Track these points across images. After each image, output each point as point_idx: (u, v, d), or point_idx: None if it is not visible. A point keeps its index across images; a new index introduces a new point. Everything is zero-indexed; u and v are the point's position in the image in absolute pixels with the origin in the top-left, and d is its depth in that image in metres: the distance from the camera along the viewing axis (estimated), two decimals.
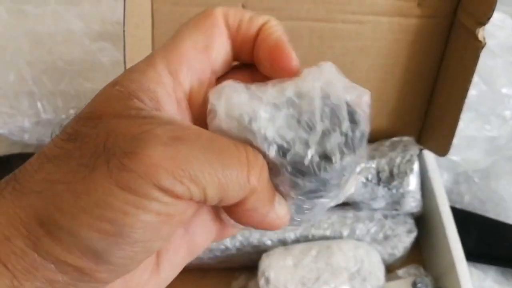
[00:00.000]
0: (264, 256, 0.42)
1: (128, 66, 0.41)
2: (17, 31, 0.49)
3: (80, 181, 0.18)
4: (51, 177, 0.18)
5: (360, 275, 0.42)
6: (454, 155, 0.59)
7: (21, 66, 0.49)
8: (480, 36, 0.39)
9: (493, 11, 0.38)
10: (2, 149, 0.52)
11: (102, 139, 0.18)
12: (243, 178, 0.19)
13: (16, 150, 0.52)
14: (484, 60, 0.60)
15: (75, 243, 0.18)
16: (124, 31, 0.36)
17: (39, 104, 0.50)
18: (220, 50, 0.23)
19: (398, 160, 0.46)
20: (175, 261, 0.23)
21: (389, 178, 0.46)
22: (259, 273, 0.42)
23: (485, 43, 0.39)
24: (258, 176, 0.20)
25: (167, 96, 0.21)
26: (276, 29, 0.23)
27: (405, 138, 0.48)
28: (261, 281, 0.41)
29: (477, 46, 0.39)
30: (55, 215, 0.18)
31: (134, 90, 0.20)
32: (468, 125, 0.59)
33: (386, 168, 0.46)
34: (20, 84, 0.50)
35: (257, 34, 0.23)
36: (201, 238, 0.24)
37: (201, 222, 0.23)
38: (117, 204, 0.17)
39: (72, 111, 0.51)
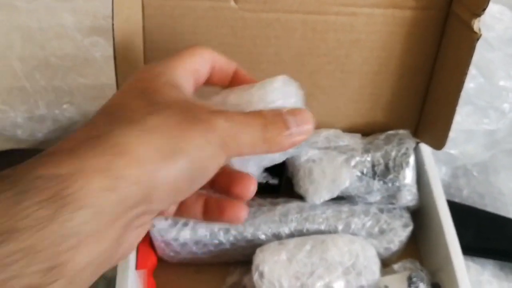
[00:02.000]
0: (258, 250, 0.42)
1: (118, 61, 0.41)
2: (9, 26, 0.49)
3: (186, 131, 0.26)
4: (160, 127, 0.25)
5: (355, 269, 0.42)
6: (452, 148, 0.59)
7: (13, 61, 0.50)
8: (475, 28, 0.39)
9: (488, 2, 0.38)
10: None
11: (186, 109, 0.27)
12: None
13: (9, 146, 0.52)
14: (482, 53, 0.60)
15: (185, 170, 0.25)
16: (113, 24, 0.36)
17: (31, 100, 0.51)
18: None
19: (393, 153, 0.46)
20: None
21: (384, 172, 0.46)
22: (253, 267, 0.42)
23: (480, 35, 0.39)
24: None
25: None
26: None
27: (401, 132, 0.48)
28: (255, 276, 0.41)
29: (473, 38, 0.39)
30: (174, 152, 0.25)
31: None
32: (466, 119, 0.59)
33: (382, 161, 0.46)
34: (12, 80, 0.50)
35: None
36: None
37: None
38: (206, 148, 0.26)
39: (65, 106, 0.51)
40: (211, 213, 0.34)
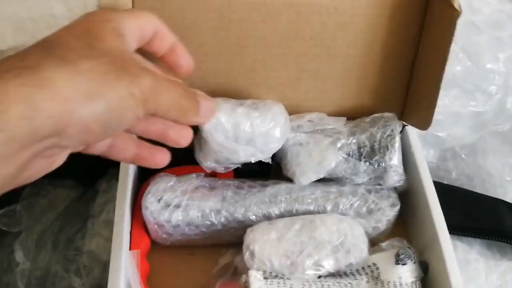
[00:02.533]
0: (248, 230, 0.43)
1: None
2: (0, 16, 0.50)
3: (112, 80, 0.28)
4: (90, 71, 0.27)
5: (344, 248, 0.43)
6: (439, 131, 0.60)
7: (5, 51, 0.50)
8: (456, 5, 0.40)
9: None
10: None
11: (120, 60, 0.29)
12: None
13: None
14: (470, 36, 0.61)
15: (100, 115, 0.28)
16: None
17: None
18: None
19: (379, 135, 0.47)
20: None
21: (370, 153, 0.47)
22: (244, 247, 0.43)
23: (461, 11, 0.39)
24: None
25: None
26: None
27: (386, 114, 0.49)
28: (246, 255, 0.42)
29: (454, 15, 0.40)
30: (94, 96, 0.27)
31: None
32: (453, 101, 0.60)
33: (367, 143, 0.47)
34: None
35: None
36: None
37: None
38: (127, 99, 0.28)
39: None
40: (141, 158, 0.37)
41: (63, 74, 0.26)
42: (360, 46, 0.46)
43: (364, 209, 0.47)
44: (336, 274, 0.42)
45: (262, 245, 0.42)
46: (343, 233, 0.43)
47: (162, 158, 0.37)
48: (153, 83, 0.29)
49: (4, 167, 0.25)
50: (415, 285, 0.42)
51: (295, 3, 0.43)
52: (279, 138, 0.45)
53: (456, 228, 0.51)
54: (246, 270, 0.41)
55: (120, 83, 0.27)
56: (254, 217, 0.45)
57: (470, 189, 0.59)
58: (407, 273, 0.42)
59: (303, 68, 0.47)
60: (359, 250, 0.43)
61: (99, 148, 0.35)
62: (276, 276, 0.41)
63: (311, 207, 0.46)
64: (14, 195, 0.53)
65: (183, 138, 0.36)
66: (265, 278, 0.41)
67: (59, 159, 0.31)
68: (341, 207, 0.46)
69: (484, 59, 0.60)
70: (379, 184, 0.48)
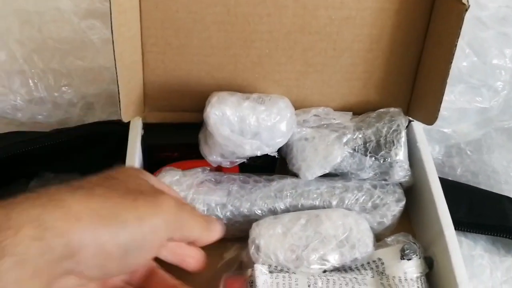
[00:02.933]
0: (254, 225, 0.43)
1: (116, 43, 0.41)
2: (6, 10, 0.50)
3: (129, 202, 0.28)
4: (104, 194, 0.27)
5: (349, 242, 0.43)
6: (445, 127, 0.60)
7: (12, 45, 0.50)
8: None
9: None
10: None
11: (136, 184, 0.29)
12: None
13: (10, 129, 0.53)
14: (476, 32, 0.61)
15: (117, 236, 0.27)
16: (110, 7, 0.37)
17: (30, 82, 0.51)
18: None
19: (384, 130, 0.47)
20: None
21: (376, 149, 0.47)
22: (250, 241, 0.43)
23: (469, 5, 0.39)
24: None
25: None
26: None
27: (392, 109, 0.49)
28: (252, 249, 0.42)
29: (461, 9, 0.40)
30: (109, 216, 0.26)
31: None
32: (459, 97, 0.60)
33: (373, 138, 0.47)
34: (11, 63, 0.51)
35: None
36: None
37: None
38: (149, 220, 0.28)
39: (64, 89, 0.52)
40: None
41: (77, 196, 0.25)
42: (366, 41, 0.46)
43: (370, 204, 0.47)
44: (341, 269, 0.42)
45: (268, 240, 0.42)
46: (348, 228, 0.43)
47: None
48: (176, 204, 0.28)
49: None
50: (420, 280, 0.42)
51: None
52: (285, 132, 0.45)
53: (461, 224, 0.51)
54: (251, 264, 0.41)
55: (139, 205, 0.26)
56: (259, 211, 0.45)
57: (475, 185, 0.59)
58: (412, 268, 0.42)
59: (309, 62, 0.47)
60: (364, 245, 0.43)
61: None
62: (281, 270, 0.41)
63: (317, 202, 0.46)
64: (20, 189, 0.53)
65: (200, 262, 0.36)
66: (271, 272, 0.41)
67: None
68: (346, 202, 0.46)
69: (491, 55, 0.59)
70: (385, 180, 0.48)
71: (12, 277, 0.22)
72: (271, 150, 0.45)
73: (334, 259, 0.42)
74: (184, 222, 0.29)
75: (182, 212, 0.29)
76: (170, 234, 0.28)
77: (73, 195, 0.25)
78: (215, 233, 0.34)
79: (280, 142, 0.45)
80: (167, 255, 0.33)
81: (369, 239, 0.44)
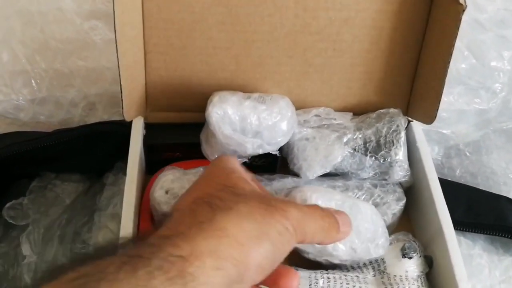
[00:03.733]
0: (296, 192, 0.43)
1: (119, 43, 0.42)
2: (9, 10, 0.50)
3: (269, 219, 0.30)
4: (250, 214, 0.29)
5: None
6: (444, 128, 0.61)
7: (14, 45, 0.51)
8: (461, 0, 0.40)
9: None
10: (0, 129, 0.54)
11: (265, 199, 0.31)
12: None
13: (12, 129, 0.54)
14: (474, 34, 0.62)
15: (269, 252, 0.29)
16: (114, 8, 0.37)
17: (33, 82, 0.52)
18: None
19: (384, 130, 0.48)
20: None
21: (376, 148, 0.47)
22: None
23: (466, 6, 0.40)
24: None
25: None
26: None
27: (391, 110, 0.49)
28: None
29: (459, 9, 0.40)
30: (260, 236, 0.29)
31: None
32: (457, 99, 0.60)
33: (373, 138, 0.48)
34: (14, 63, 0.51)
35: None
36: None
37: None
38: (284, 233, 0.30)
39: (65, 89, 0.53)
40: None
41: (232, 222, 0.28)
42: (366, 41, 0.47)
43: (370, 202, 0.47)
44: (343, 267, 0.43)
45: None
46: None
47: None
48: (299, 213, 0.31)
49: None
50: (421, 279, 0.42)
51: None
52: (285, 131, 0.45)
53: (460, 224, 0.51)
54: None
55: (274, 219, 0.29)
56: None
57: (474, 186, 0.59)
58: (413, 267, 0.42)
59: (309, 62, 0.48)
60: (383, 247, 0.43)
61: None
62: None
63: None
64: (22, 189, 0.54)
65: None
66: None
67: None
68: None
69: (489, 57, 0.60)
70: (385, 179, 0.49)
71: None
72: (272, 149, 0.46)
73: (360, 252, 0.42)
74: (306, 229, 0.31)
75: (304, 220, 0.31)
76: (297, 240, 0.31)
77: (229, 220, 0.28)
78: (339, 235, 0.34)
79: (281, 141, 0.46)
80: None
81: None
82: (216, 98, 0.44)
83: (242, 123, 0.44)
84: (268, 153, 0.46)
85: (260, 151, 0.45)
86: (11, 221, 0.52)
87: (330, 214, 0.34)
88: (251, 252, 0.28)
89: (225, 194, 0.31)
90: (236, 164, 0.35)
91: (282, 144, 0.46)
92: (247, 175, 0.34)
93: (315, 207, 0.33)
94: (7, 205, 0.52)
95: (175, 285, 0.24)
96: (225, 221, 0.28)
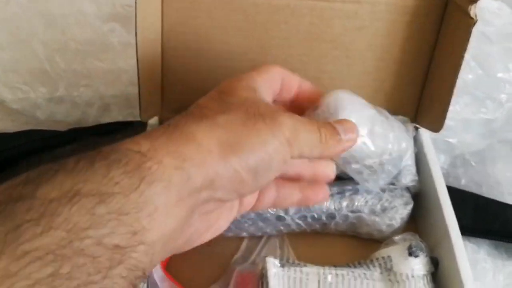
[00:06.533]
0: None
1: (139, 48, 0.45)
2: (32, 12, 0.54)
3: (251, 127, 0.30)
4: (227, 123, 0.30)
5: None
6: (450, 137, 0.64)
7: (35, 45, 0.54)
8: (472, 14, 0.44)
9: None
10: (16, 127, 0.56)
11: (254, 108, 0.31)
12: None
13: (29, 127, 0.57)
14: (481, 46, 0.65)
15: (247, 162, 0.29)
16: (136, 11, 0.40)
17: (51, 82, 0.55)
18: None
19: None
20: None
21: None
22: None
23: (476, 20, 0.43)
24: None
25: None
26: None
27: (400, 117, 0.52)
28: None
29: (469, 23, 0.44)
30: (236, 144, 0.29)
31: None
32: (464, 108, 0.64)
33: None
34: (34, 62, 0.54)
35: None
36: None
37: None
38: (271, 142, 0.30)
39: (83, 89, 0.56)
40: (307, 199, 0.39)
41: (202, 129, 0.29)
42: (378, 50, 0.50)
43: (379, 206, 0.50)
44: (351, 265, 0.46)
45: None
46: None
47: (324, 194, 0.39)
48: (293, 123, 0.31)
49: (166, 217, 0.26)
50: (426, 278, 0.45)
51: (318, 6, 0.47)
52: None
53: (465, 229, 0.54)
54: (263, 257, 0.45)
55: (259, 128, 0.30)
56: (269, 215, 0.48)
57: None
58: (419, 265, 0.45)
59: (323, 69, 0.51)
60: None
61: (266, 202, 0.38)
62: (293, 264, 0.44)
63: (327, 203, 0.50)
64: None
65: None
66: (282, 265, 0.44)
67: (218, 223, 0.33)
68: (356, 203, 0.50)
69: (495, 68, 0.64)
70: (393, 184, 0.52)
71: (162, 200, 0.26)
72: None
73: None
74: (301, 141, 0.31)
75: (299, 131, 0.31)
76: (291, 152, 0.31)
77: (200, 127, 0.28)
78: (342, 144, 0.34)
79: None
80: (299, 170, 0.38)
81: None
82: None
83: None
84: None
85: None
86: None
87: (327, 124, 0.34)
88: (221, 159, 0.28)
89: (214, 103, 0.31)
90: (247, 75, 0.34)
91: None
92: (264, 89, 0.34)
93: (311, 119, 0.34)
94: None
95: (132, 178, 0.25)
96: (195, 128, 0.28)
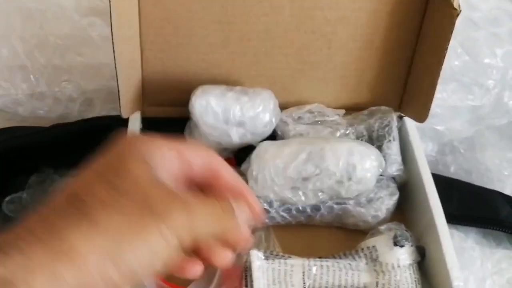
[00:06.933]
0: (253, 155, 0.47)
1: (116, 45, 0.44)
2: (9, 7, 0.53)
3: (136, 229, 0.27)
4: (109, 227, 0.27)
5: (350, 180, 0.47)
6: (438, 125, 0.64)
7: (14, 41, 0.54)
8: (455, 4, 0.43)
9: None
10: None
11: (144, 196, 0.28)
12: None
13: (11, 124, 0.56)
14: (468, 32, 0.65)
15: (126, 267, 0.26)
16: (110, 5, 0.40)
17: (32, 78, 0.55)
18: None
19: (376, 125, 0.51)
20: None
21: (368, 142, 0.50)
22: (248, 172, 0.47)
23: (460, 11, 0.43)
24: None
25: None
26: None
27: (383, 107, 0.52)
28: (250, 182, 0.47)
29: (453, 14, 0.43)
30: (116, 252, 0.26)
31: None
32: (451, 95, 0.63)
33: (365, 133, 0.51)
34: (13, 59, 0.54)
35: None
36: None
37: None
38: (157, 242, 0.27)
39: (64, 84, 0.55)
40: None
41: (82, 235, 0.25)
42: (360, 40, 0.50)
43: (364, 197, 0.50)
44: (336, 256, 0.46)
45: (267, 173, 0.46)
46: (351, 166, 0.47)
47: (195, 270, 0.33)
48: (184, 215, 0.28)
49: None
50: (412, 267, 0.45)
51: None
52: (268, 122, 0.48)
53: (452, 217, 0.54)
54: (247, 250, 0.45)
55: (145, 228, 0.27)
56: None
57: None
58: (404, 255, 0.45)
59: (305, 60, 0.51)
60: (364, 184, 0.47)
61: None
62: (277, 256, 0.44)
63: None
64: (21, 183, 0.56)
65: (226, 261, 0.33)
66: (266, 258, 0.44)
67: None
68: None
69: (482, 54, 0.63)
70: (381, 175, 0.52)
71: None
72: (256, 140, 0.49)
73: (329, 194, 0.47)
74: (197, 229, 0.29)
75: (193, 217, 0.28)
76: (189, 241, 0.28)
77: (79, 233, 0.25)
78: (236, 230, 0.31)
79: (265, 131, 0.49)
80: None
81: (371, 178, 0.48)
82: (199, 91, 0.48)
83: (225, 114, 0.47)
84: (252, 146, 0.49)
85: (244, 141, 0.48)
86: (10, 215, 0.54)
87: (228, 211, 0.30)
88: (98, 272, 0.25)
89: (99, 187, 0.27)
90: (152, 140, 0.30)
91: (266, 135, 0.49)
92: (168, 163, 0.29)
93: (211, 203, 0.30)
94: (7, 198, 0.55)
95: None
96: (73, 236, 0.25)
